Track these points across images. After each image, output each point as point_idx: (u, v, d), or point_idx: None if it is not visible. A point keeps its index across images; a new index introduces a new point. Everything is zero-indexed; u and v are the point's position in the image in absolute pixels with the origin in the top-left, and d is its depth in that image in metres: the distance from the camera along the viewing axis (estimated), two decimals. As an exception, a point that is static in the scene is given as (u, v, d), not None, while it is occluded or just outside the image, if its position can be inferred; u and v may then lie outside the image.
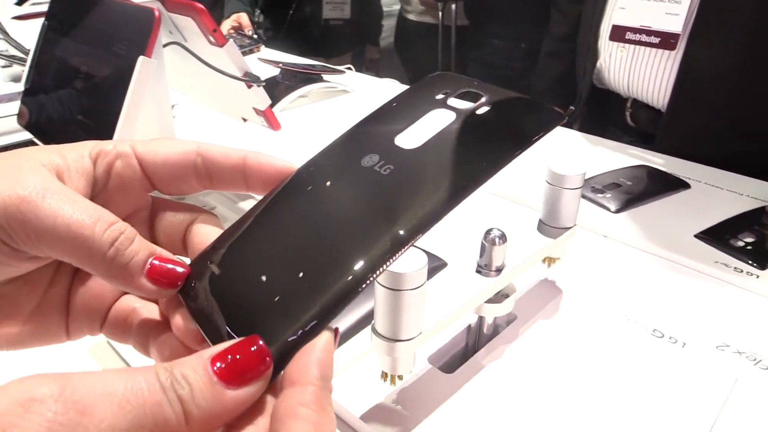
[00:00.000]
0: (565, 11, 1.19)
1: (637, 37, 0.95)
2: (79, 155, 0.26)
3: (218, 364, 0.20)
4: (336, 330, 0.22)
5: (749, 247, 0.63)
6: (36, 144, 0.81)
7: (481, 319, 0.45)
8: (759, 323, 0.52)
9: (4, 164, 0.23)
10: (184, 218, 0.28)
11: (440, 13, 2.06)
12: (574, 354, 0.45)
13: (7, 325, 0.26)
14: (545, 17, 1.29)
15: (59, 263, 0.27)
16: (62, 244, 0.22)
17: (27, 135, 0.76)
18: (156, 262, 0.24)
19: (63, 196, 0.23)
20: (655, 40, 0.93)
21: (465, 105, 0.27)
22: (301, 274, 0.23)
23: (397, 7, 2.48)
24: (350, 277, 0.22)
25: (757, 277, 0.59)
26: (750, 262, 0.61)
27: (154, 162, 0.26)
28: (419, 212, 0.23)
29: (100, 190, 0.26)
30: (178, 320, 0.25)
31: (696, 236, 0.66)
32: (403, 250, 0.22)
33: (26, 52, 1.01)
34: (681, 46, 0.90)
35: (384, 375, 0.38)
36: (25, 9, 1.84)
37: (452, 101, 0.27)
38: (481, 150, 0.25)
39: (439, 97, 0.28)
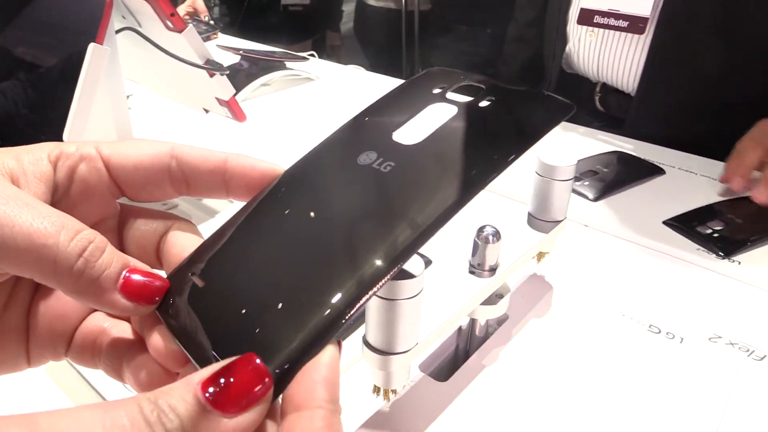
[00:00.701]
0: None
1: (606, 20, 0.94)
2: (36, 158, 0.22)
3: (210, 390, 0.17)
4: (339, 343, 0.19)
5: (715, 235, 0.62)
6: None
7: (473, 321, 0.43)
8: (745, 312, 0.51)
9: None
10: (158, 227, 0.25)
11: (403, -1, 2.02)
12: (573, 354, 0.43)
13: None
14: (510, 1, 1.27)
15: (14, 282, 0.24)
16: (21, 256, 0.19)
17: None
18: (131, 275, 0.21)
19: (19, 201, 0.20)
20: (624, 23, 0.92)
21: (466, 98, 0.25)
22: (299, 286, 0.20)
23: (354, -9, 2.43)
24: (356, 287, 0.19)
25: (739, 263, 0.58)
26: (716, 250, 0.60)
27: (123, 166, 0.23)
28: (430, 212, 0.21)
29: (61, 197, 0.23)
30: (157, 340, 0.22)
31: (664, 222, 0.65)
32: (414, 253, 0.20)
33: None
34: (650, 29, 0.89)
35: (376, 389, 0.35)
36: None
37: (451, 95, 0.26)
38: (490, 143, 0.23)
39: (437, 91, 0.26)
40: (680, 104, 0.92)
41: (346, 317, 0.19)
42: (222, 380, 0.17)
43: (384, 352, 0.32)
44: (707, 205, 0.68)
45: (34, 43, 0.61)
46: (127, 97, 0.72)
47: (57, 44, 0.57)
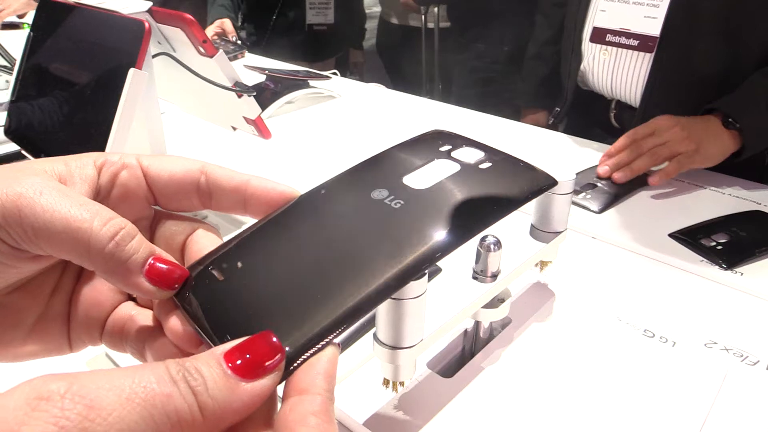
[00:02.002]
0: (549, 15, 1.21)
1: (617, 39, 0.97)
2: (83, 163, 0.26)
3: (232, 358, 0.20)
4: (339, 345, 0.23)
5: (719, 247, 0.65)
6: (24, 156, 0.81)
7: (477, 323, 0.46)
8: (744, 320, 0.54)
9: (5, 171, 0.24)
10: (185, 228, 0.28)
11: (423, 17, 2.07)
12: (569, 356, 0.46)
13: (11, 336, 0.26)
14: (528, 20, 1.30)
15: (61, 271, 0.27)
16: (60, 239, 0.22)
17: (15, 146, 0.76)
18: (156, 262, 0.24)
19: (60, 192, 0.23)
20: (634, 42, 0.95)
21: (467, 158, 0.29)
22: (312, 288, 0.23)
23: (378, 9, 2.49)
24: (362, 297, 0.23)
25: (742, 274, 0.61)
26: (719, 261, 0.62)
27: (159, 176, 0.27)
28: (431, 244, 0.25)
29: (102, 199, 0.26)
30: (174, 323, 0.25)
31: (670, 235, 0.68)
32: (419, 273, 0.24)
33: (13, 62, 1.00)
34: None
35: (386, 382, 0.38)
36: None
37: (456, 153, 0.30)
38: (486, 198, 0.27)
39: (443, 149, 0.30)
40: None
41: (346, 326, 0.22)
42: (242, 352, 0.20)
43: (392, 347, 0.35)
44: (715, 219, 0.71)
45: (77, 66, 0.66)
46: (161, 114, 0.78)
47: (99, 68, 0.62)
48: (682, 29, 0.89)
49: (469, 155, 0.29)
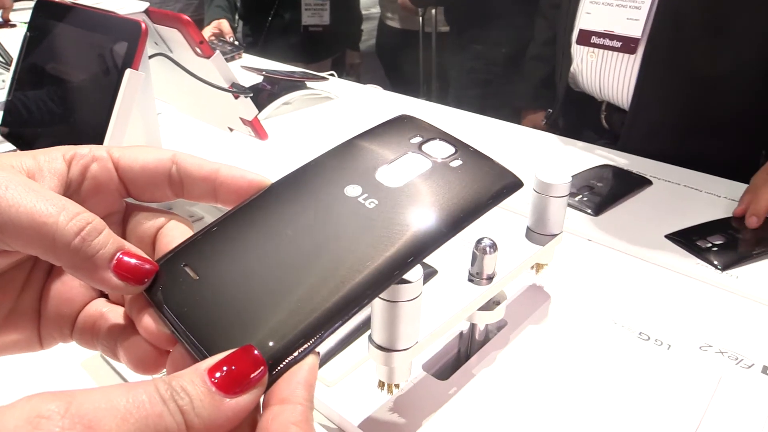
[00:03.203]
0: (548, 16, 1.22)
1: (601, 41, 0.98)
2: (51, 157, 0.25)
3: (216, 375, 0.20)
4: (318, 353, 0.23)
5: (714, 249, 0.65)
6: (19, 156, 0.80)
7: (473, 325, 0.46)
8: (739, 323, 0.54)
9: None
10: (156, 222, 0.28)
11: (421, 19, 2.07)
12: (565, 358, 0.47)
13: None
14: (525, 21, 1.31)
15: (30, 268, 0.27)
16: (26, 233, 0.22)
17: (11, 146, 0.76)
18: (124, 257, 0.24)
19: (26, 187, 0.23)
20: (617, 44, 0.96)
21: (438, 154, 0.29)
22: (289, 293, 0.23)
23: (375, 10, 2.49)
24: (342, 306, 0.23)
25: (737, 277, 0.61)
26: (714, 263, 0.63)
27: (131, 168, 0.27)
28: (405, 250, 0.25)
29: (73, 192, 0.26)
30: (147, 321, 0.24)
31: (666, 236, 0.68)
32: (394, 278, 0.24)
33: (10, 60, 1.00)
34: (641, 50, 0.93)
35: (381, 384, 0.38)
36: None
37: (426, 148, 0.30)
38: (457, 201, 0.27)
39: (414, 141, 0.30)
40: (670, 120, 0.96)
41: (325, 335, 0.22)
42: (225, 367, 0.20)
43: (387, 349, 0.36)
44: (712, 221, 0.71)
45: (73, 66, 0.66)
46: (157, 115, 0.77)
47: (95, 68, 0.62)
48: (667, 30, 0.90)
49: (440, 150, 0.29)
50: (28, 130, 0.71)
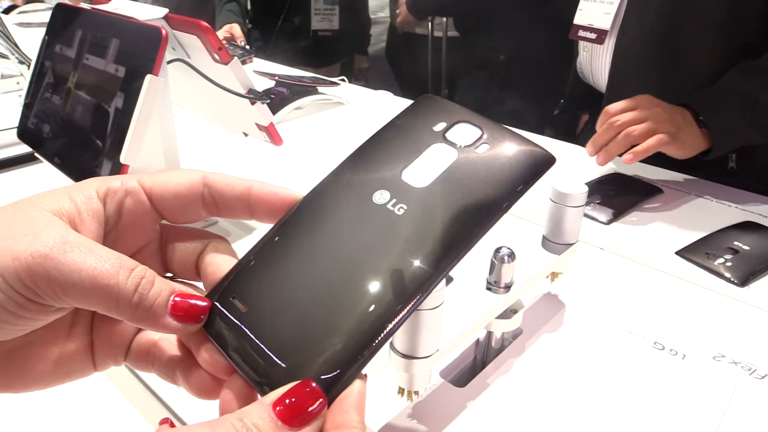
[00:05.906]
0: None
1: (585, 34, 1.03)
2: (87, 197, 0.26)
3: (279, 408, 0.22)
4: (365, 376, 0.24)
5: (729, 264, 0.65)
6: (36, 158, 0.81)
7: (489, 333, 0.47)
8: (752, 333, 0.54)
9: (16, 220, 0.24)
10: (195, 246, 0.29)
11: (429, 24, 2.08)
12: (579, 367, 0.47)
13: (38, 368, 0.27)
14: (534, 28, 1.32)
15: (75, 310, 0.28)
16: (89, 295, 0.23)
17: (27, 148, 0.77)
18: (178, 299, 0.25)
19: (83, 247, 0.23)
20: (592, 36, 1.01)
21: (463, 140, 0.28)
22: (334, 318, 0.24)
23: (383, 14, 2.50)
24: (386, 324, 0.24)
25: (750, 288, 0.61)
26: (732, 280, 0.62)
27: (163, 195, 0.27)
28: (441, 254, 0.25)
29: (111, 228, 0.27)
30: (205, 356, 0.26)
31: (677, 253, 0.68)
32: (432, 288, 0.24)
33: (29, 61, 1.01)
34: (611, 42, 0.99)
35: (401, 390, 0.39)
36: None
37: (450, 135, 0.29)
38: (486, 195, 0.26)
39: (437, 129, 0.29)
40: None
41: (372, 357, 0.23)
42: (287, 400, 0.22)
43: (408, 357, 0.36)
44: (714, 233, 0.71)
45: (92, 71, 0.66)
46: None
47: (114, 73, 0.63)
48: (632, 19, 0.94)
49: (466, 136, 0.28)
50: (45, 134, 0.72)
